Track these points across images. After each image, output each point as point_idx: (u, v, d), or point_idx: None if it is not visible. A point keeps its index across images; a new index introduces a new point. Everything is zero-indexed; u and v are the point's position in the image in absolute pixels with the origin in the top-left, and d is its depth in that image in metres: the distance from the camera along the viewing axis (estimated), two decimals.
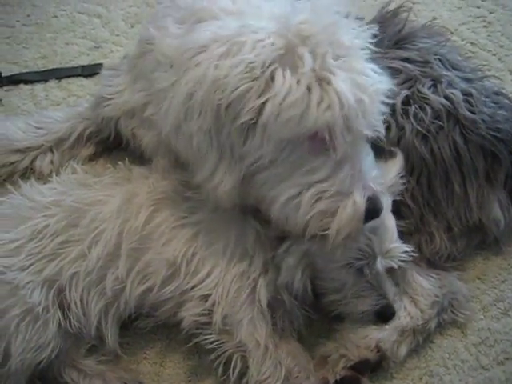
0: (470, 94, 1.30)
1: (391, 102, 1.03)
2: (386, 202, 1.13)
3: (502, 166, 1.28)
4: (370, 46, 1.02)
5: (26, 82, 1.72)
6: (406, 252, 1.14)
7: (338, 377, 1.10)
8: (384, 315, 1.15)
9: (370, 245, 1.09)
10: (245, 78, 0.90)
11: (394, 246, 1.12)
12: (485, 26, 1.93)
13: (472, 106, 1.29)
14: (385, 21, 1.47)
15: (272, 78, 0.90)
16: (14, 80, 1.72)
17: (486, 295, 1.30)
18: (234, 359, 1.08)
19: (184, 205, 1.15)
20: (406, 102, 1.28)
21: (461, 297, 1.25)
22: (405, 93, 1.28)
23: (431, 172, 1.25)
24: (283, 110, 0.90)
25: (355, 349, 1.12)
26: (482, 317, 1.26)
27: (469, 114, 1.26)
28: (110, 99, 1.32)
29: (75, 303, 1.09)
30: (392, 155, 1.20)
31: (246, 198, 1.04)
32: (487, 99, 1.33)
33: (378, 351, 1.13)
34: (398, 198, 1.23)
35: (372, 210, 1.00)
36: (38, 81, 1.73)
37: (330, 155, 0.96)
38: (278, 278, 1.12)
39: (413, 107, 1.27)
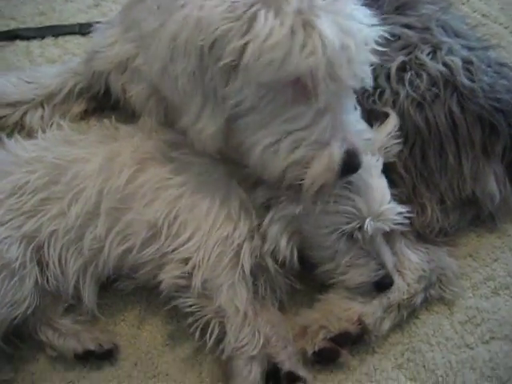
0: (471, 62, 1.25)
1: (382, 49, 1.01)
2: (377, 163, 1.11)
3: (500, 138, 1.24)
4: None
5: (22, 38, 1.70)
6: (401, 214, 1.11)
7: (316, 348, 1.08)
8: (383, 286, 1.11)
9: (355, 206, 1.05)
10: (227, 18, 0.89)
11: (385, 207, 1.08)
12: None
13: (472, 74, 1.24)
14: None
15: (254, 18, 0.88)
16: (10, 36, 1.70)
17: (477, 273, 1.26)
18: (211, 324, 1.06)
19: (169, 166, 1.12)
20: (403, 68, 1.24)
21: (450, 273, 1.21)
22: (401, 58, 1.24)
23: (425, 141, 1.21)
24: (264, 52, 0.88)
25: (336, 321, 1.10)
26: (471, 295, 1.23)
27: (467, 81, 1.22)
28: (102, 52, 1.29)
29: (53, 261, 1.08)
30: (386, 116, 1.17)
31: (228, 143, 1.03)
32: (489, 68, 1.28)
33: (360, 324, 1.10)
34: (391, 164, 1.19)
35: (349, 164, 0.98)
36: (34, 37, 1.70)
37: (311, 104, 0.94)
38: (264, 245, 1.09)
39: (408, 73, 1.23)
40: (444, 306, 1.21)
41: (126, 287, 1.15)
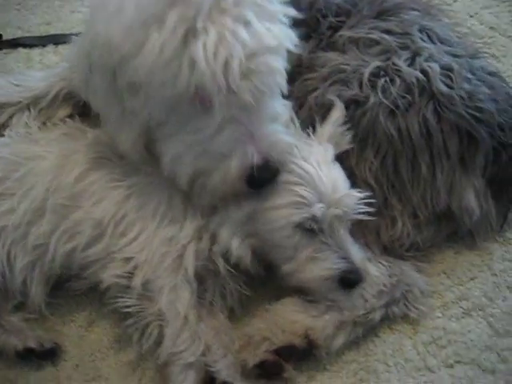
0: (451, 69, 1.18)
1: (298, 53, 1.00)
2: (326, 152, 1.07)
3: (480, 150, 1.16)
4: None
5: (25, 46, 1.74)
6: (360, 199, 1.05)
7: (257, 360, 1.02)
8: (349, 282, 1.03)
9: (298, 194, 1.00)
10: (126, 39, 0.88)
11: (340, 194, 1.03)
12: (510, 11, 1.79)
13: (452, 81, 1.17)
14: None
15: (146, 37, 0.88)
16: (14, 43, 1.74)
17: (450, 292, 1.18)
18: (150, 327, 1.03)
19: (120, 167, 1.11)
20: (377, 73, 1.18)
21: (417, 290, 1.14)
22: (376, 64, 1.19)
23: (398, 151, 1.14)
24: (155, 71, 0.88)
25: (280, 333, 1.04)
26: (440, 315, 1.15)
27: (445, 88, 1.15)
28: None
29: (1, 257, 1.08)
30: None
31: (151, 153, 1.04)
32: (472, 76, 1.21)
33: (306, 338, 1.04)
34: (361, 174, 1.15)
35: (257, 178, 0.96)
36: (36, 45, 1.74)
37: (212, 116, 0.92)
38: (214, 246, 1.06)
39: (382, 80, 1.17)
40: (408, 325, 1.13)
41: (77, 287, 1.13)
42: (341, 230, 1.04)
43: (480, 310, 1.15)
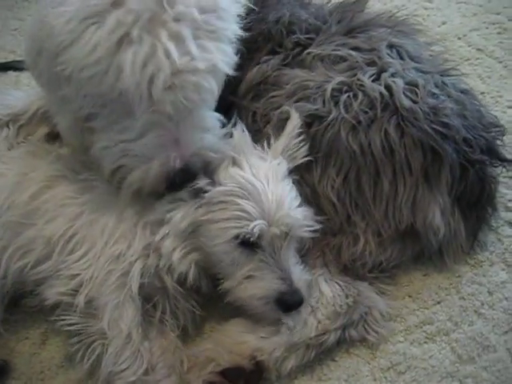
0: (416, 84, 1.16)
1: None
2: (278, 166, 1.05)
3: (444, 165, 1.12)
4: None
5: (15, 70, 1.78)
6: (301, 220, 1.03)
7: (200, 381, 0.99)
8: (286, 304, 1.00)
9: (241, 209, 0.98)
10: (65, 28, 0.91)
11: (283, 212, 1.00)
12: (499, 33, 1.79)
13: (417, 96, 1.14)
14: (345, 7, 1.36)
15: (83, 32, 0.90)
16: (4, 67, 1.79)
17: (413, 315, 1.13)
18: (92, 346, 1.01)
19: (77, 185, 1.12)
20: (340, 89, 1.16)
21: (377, 313, 1.10)
22: (339, 79, 1.17)
23: (360, 167, 1.12)
24: (85, 66, 0.90)
25: (227, 354, 1.01)
26: (402, 339, 1.10)
27: (408, 103, 1.13)
28: None
29: None
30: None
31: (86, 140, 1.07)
32: (439, 91, 1.18)
33: (252, 360, 1.00)
34: (323, 191, 1.13)
35: (174, 181, 0.99)
36: (25, 69, 1.77)
37: (136, 119, 0.95)
38: (160, 262, 1.04)
39: (345, 95, 1.15)
40: (367, 349, 1.09)
41: (32, 303, 1.12)
42: (282, 249, 1.01)
43: (444, 334, 1.10)
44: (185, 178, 1.00)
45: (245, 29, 1.06)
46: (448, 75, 1.27)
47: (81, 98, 0.96)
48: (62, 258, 1.06)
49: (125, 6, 0.89)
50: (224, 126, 1.09)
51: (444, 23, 1.82)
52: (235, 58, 1.01)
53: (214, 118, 1.06)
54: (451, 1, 1.92)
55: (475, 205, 1.17)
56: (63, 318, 1.04)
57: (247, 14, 1.16)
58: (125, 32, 0.88)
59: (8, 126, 1.48)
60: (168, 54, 0.88)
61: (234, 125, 1.10)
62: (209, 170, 1.03)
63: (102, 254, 1.04)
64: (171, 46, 0.88)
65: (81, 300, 1.02)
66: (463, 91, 1.25)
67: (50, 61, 0.95)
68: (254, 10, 1.27)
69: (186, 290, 1.07)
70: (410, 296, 1.16)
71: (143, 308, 1.05)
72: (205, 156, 1.01)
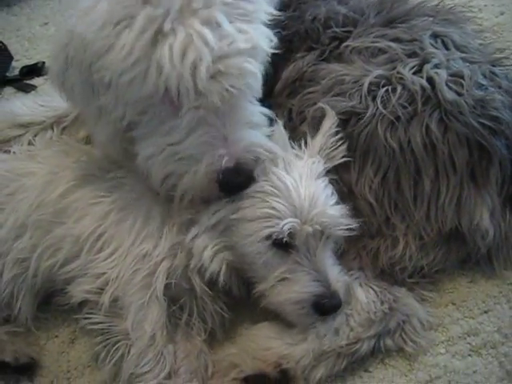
0: (461, 75, 1.08)
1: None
2: (313, 165, 1.01)
3: (493, 163, 1.04)
4: None
5: None
6: (337, 218, 0.97)
7: None
8: (322, 307, 0.94)
9: (271, 207, 0.94)
10: (98, 36, 0.89)
11: (317, 210, 0.95)
12: None
13: (462, 87, 1.06)
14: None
15: (118, 36, 0.87)
16: None
17: (457, 325, 1.05)
18: (115, 346, 0.99)
19: (105, 184, 1.11)
20: (378, 83, 1.09)
21: (416, 321, 1.02)
22: (377, 73, 1.10)
23: (400, 166, 1.05)
24: (124, 70, 0.87)
25: (250, 360, 0.96)
26: (443, 351, 1.02)
27: (452, 95, 1.05)
28: None
29: None
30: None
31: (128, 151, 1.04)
32: (489, 82, 1.09)
33: (277, 367, 0.95)
34: (360, 191, 1.06)
35: (228, 182, 0.93)
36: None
37: (182, 118, 0.90)
38: (190, 263, 1.01)
39: (383, 89, 1.08)
40: (405, 360, 1.02)
41: (62, 302, 1.11)
42: (318, 249, 0.95)
43: (491, 347, 1.01)
44: (239, 179, 0.95)
45: (280, 27, 1.02)
46: (500, 65, 1.18)
47: (121, 106, 0.93)
48: (90, 256, 1.05)
49: (153, 2, 0.87)
50: (272, 122, 1.05)
51: (502, 13, 1.71)
52: (274, 38, 0.97)
53: (260, 114, 1.01)
54: None
55: None
56: (89, 316, 1.03)
57: (282, 11, 1.10)
58: (157, 28, 0.86)
59: (52, 128, 1.51)
60: (205, 41, 0.85)
61: (274, 122, 1.05)
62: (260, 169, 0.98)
63: (128, 253, 1.03)
64: (207, 32, 0.85)
65: (106, 299, 1.00)
66: None
67: (84, 71, 0.93)
68: (289, 6, 1.25)
69: (215, 292, 1.04)
70: (453, 304, 1.07)
71: (169, 310, 1.03)
72: (256, 153, 0.96)
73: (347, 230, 0.99)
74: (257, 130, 0.98)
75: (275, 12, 0.99)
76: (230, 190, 0.96)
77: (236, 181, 0.94)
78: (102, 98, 0.94)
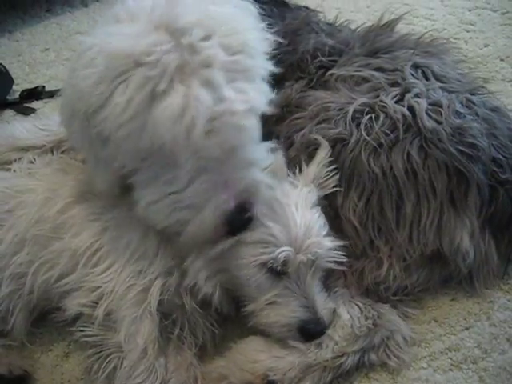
0: (440, 104, 1.13)
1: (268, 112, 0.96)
2: (308, 194, 1.05)
3: (471, 188, 1.09)
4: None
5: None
6: (333, 250, 1.02)
7: None
8: (307, 332, 1.00)
9: (270, 233, 0.99)
10: (94, 90, 0.90)
11: (311, 240, 1.00)
12: None
13: (441, 116, 1.12)
14: (374, 30, 1.36)
15: (112, 93, 0.88)
16: (53, 94, 1.88)
17: (439, 341, 1.08)
18: (108, 358, 1.02)
19: (103, 202, 1.14)
20: (362, 111, 1.15)
21: (399, 337, 1.06)
22: (361, 101, 1.16)
23: (382, 191, 1.10)
24: (120, 126, 0.88)
25: (239, 371, 0.99)
26: (425, 365, 1.05)
27: (432, 123, 1.10)
28: None
29: None
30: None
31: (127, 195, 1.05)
32: (466, 111, 1.14)
33: (265, 379, 0.98)
34: (345, 215, 1.11)
35: (231, 224, 0.95)
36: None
37: (181, 169, 0.92)
38: (183, 282, 1.05)
39: (366, 117, 1.13)
40: (388, 374, 1.05)
41: (59, 319, 1.14)
42: (308, 276, 1.00)
43: (472, 362, 1.04)
44: (243, 218, 0.96)
45: (275, 62, 1.03)
46: (478, 93, 1.24)
47: (121, 156, 0.94)
48: (85, 270, 1.08)
49: (149, 61, 0.86)
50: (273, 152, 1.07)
51: (486, 45, 1.78)
52: (271, 95, 0.98)
53: (261, 150, 1.02)
54: (495, 23, 1.88)
55: (507, 227, 1.12)
56: (83, 329, 1.06)
57: (276, 47, 1.11)
58: (153, 86, 0.86)
59: (52, 152, 1.55)
60: (202, 103, 0.85)
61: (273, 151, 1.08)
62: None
63: (124, 268, 1.06)
64: (205, 94, 0.86)
65: (100, 312, 1.03)
66: (494, 109, 1.21)
67: (83, 122, 0.95)
68: (284, 38, 1.27)
69: (205, 309, 1.07)
70: (436, 321, 1.11)
71: (162, 324, 1.06)
72: (255, 191, 0.97)
73: (337, 262, 1.04)
74: (257, 167, 0.99)
75: (273, 68, 1.00)
76: (236, 230, 0.98)
77: (240, 221, 0.97)
78: (102, 150, 0.96)
